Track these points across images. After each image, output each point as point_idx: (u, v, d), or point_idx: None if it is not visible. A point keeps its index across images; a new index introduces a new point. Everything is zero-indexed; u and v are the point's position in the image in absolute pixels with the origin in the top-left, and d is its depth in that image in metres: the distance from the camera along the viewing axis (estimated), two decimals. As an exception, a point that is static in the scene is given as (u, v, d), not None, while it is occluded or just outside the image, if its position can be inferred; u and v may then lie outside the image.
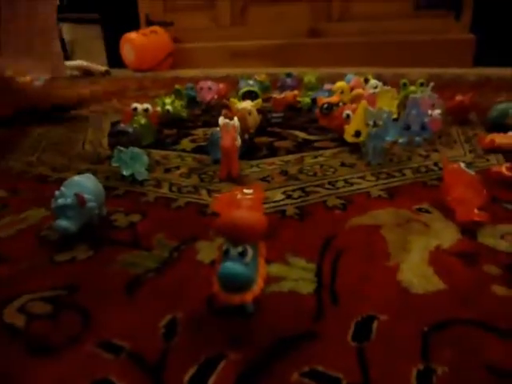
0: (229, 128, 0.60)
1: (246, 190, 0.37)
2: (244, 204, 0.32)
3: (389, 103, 0.86)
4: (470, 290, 0.35)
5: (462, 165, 0.48)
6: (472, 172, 0.48)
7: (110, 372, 0.29)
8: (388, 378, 0.27)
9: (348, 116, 0.75)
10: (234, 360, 0.29)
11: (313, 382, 0.27)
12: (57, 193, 0.47)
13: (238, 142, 0.62)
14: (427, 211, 0.49)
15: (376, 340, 0.30)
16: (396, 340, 0.30)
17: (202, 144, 0.80)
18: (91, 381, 0.28)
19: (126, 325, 0.33)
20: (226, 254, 0.31)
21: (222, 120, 0.61)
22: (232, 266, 0.29)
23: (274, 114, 0.98)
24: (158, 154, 0.76)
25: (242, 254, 0.30)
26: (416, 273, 0.37)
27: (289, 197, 0.55)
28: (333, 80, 1.03)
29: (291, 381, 0.27)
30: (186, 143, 0.82)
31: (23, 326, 0.33)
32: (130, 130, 0.73)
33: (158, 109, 0.97)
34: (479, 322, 0.31)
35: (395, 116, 0.86)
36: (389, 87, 1.00)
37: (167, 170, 0.67)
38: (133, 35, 2.08)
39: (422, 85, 1.00)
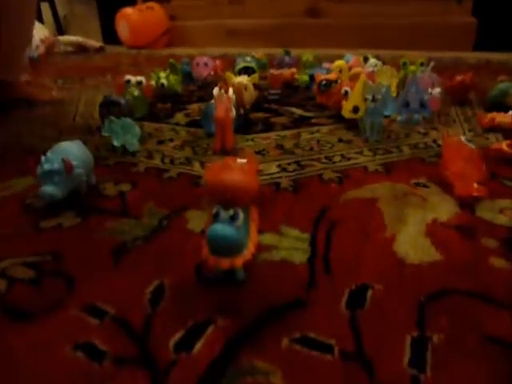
0: (223, 99, 0.58)
1: (239, 160, 0.36)
2: (236, 167, 0.30)
3: (388, 81, 0.83)
4: (468, 262, 0.34)
5: (463, 138, 0.47)
6: (472, 146, 0.46)
7: (93, 336, 0.28)
8: (381, 345, 0.26)
9: (346, 92, 0.73)
10: (222, 326, 0.28)
11: (304, 347, 0.26)
12: (43, 158, 0.45)
13: (233, 113, 0.60)
14: (425, 186, 0.48)
15: (370, 308, 0.29)
16: (391, 309, 0.29)
17: (197, 118, 0.78)
18: (73, 344, 0.27)
19: (111, 290, 0.32)
20: (215, 217, 0.29)
21: (216, 90, 0.59)
22: (221, 228, 0.28)
23: (271, 91, 0.95)
24: (150, 126, 0.74)
25: (233, 218, 0.29)
26: (412, 244, 0.36)
27: (284, 170, 0.53)
28: (331, 60, 1.00)
29: (281, 346, 0.26)
30: (180, 117, 0.80)
31: (4, 290, 0.32)
32: (123, 101, 0.71)
33: (153, 83, 0.95)
34: (476, 292, 0.31)
35: (394, 95, 0.84)
36: (388, 66, 0.98)
37: (160, 142, 0.65)
38: (128, 11, 2.03)
39: (422, 64, 0.98)
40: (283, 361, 0.25)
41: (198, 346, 0.27)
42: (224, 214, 0.29)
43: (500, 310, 0.29)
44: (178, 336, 0.27)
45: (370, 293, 0.31)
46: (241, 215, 0.29)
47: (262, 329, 0.28)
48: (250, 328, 0.28)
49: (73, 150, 0.46)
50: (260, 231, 0.38)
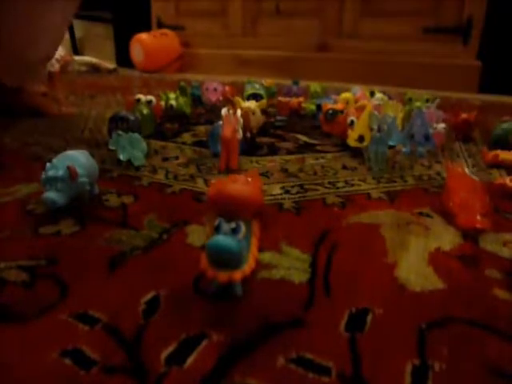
0: (231, 119, 0.58)
1: (241, 176, 0.36)
2: (240, 181, 0.30)
3: (394, 115, 0.85)
4: (471, 291, 0.33)
5: (467, 170, 0.47)
6: (476, 178, 0.46)
7: (82, 342, 0.27)
8: (381, 371, 0.25)
9: (352, 122, 0.74)
10: (216, 341, 0.27)
11: (300, 368, 0.25)
12: (48, 165, 0.45)
13: (240, 134, 0.60)
14: (428, 215, 0.47)
15: (370, 332, 0.28)
16: (391, 334, 0.28)
17: (203, 139, 0.79)
18: (60, 350, 0.26)
19: (105, 299, 0.31)
20: (217, 229, 0.29)
21: (224, 111, 0.60)
22: (223, 239, 0.28)
23: (278, 117, 0.97)
24: (157, 144, 0.75)
25: (235, 231, 0.29)
26: (414, 271, 0.36)
27: (287, 192, 0.53)
28: (338, 93, 1.02)
29: (276, 366, 0.25)
30: (186, 137, 0.81)
31: (-4, 292, 0.31)
32: (132, 117, 0.72)
33: (162, 103, 0.96)
34: (479, 322, 0.30)
35: (399, 129, 0.85)
36: (394, 101, 1.00)
37: (165, 159, 0.66)
38: (143, 36, 2.09)
39: (427, 101, 1.00)
40: (278, 380, 0.24)
41: (191, 359, 0.26)
42: (226, 226, 0.29)
43: (503, 340, 0.28)
44: (170, 348, 0.26)
45: (369, 317, 0.30)
46: (243, 228, 0.29)
47: (257, 346, 0.27)
48: (245, 344, 0.27)
49: (79, 159, 0.47)
50: (260, 249, 0.37)
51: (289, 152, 0.73)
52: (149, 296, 0.31)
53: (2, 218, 0.44)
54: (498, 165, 0.66)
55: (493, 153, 0.68)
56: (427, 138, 0.71)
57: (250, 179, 0.35)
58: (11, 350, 0.26)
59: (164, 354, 0.26)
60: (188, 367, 0.25)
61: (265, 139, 0.81)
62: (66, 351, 0.26)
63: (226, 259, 0.28)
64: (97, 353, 0.26)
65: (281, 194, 0.52)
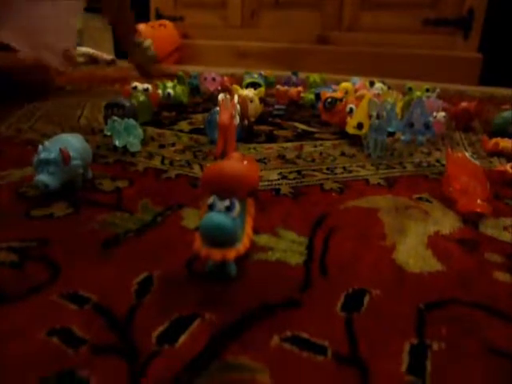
0: (228, 104, 0.58)
1: (236, 154, 0.35)
2: (236, 159, 0.29)
3: (392, 100, 0.84)
4: (470, 274, 0.33)
5: (467, 154, 0.46)
6: (477, 162, 0.46)
7: (71, 322, 0.26)
8: (378, 350, 0.25)
9: (351, 110, 0.73)
10: (209, 320, 0.26)
11: (295, 347, 0.25)
12: (40, 147, 0.44)
13: (237, 120, 0.59)
14: (428, 200, 0.47)
15: (367, 313, 0.28)
16: (389, 315, 0.28)
17: (201, 127, 0.78)
18: (48, 329, 0.25)
19: (96, 279, 0.31)
20: (211, 208, 0.28)
21: (221, 96, 0.59)
22: (217, 217, 0.27)
23: (276, 106, 0.96)
24: (153, 131, 0.74)
25: (229, 209, 0.28)
26: (413, 253, 0.35)
27: (284, 177, 0.52)
28: (338, 84, 1.01)
29: (270, 345, 0.25)
30: (184, 125, 0.80)
31: (-16, 272, 0.31)
32: (127, 103, 0.71)
33: (159, 91, 0.95)
34: (478, 303, 0.29)
35: (399, 117, 0.84)
36: (394, 90, 0.99)
37: (162, 146, 0.65)
38: (141, 27, 2.07)
39: (427, 90, 0.99)
40: (272, 359, 0.24)
41: (182, 339, 0.25)
42: (220, 204, 0.28)
43: (502, 320, 0.27)
44: (161, 328, 0.26)
45: (367, 297, 0.29)
46: (237, 206, 0.28)
47: (251, 325, 0.26)
48: (239, 324, 0.26)
49: (72, 142, 0.46)
50: (256, 232, 0.37)
51: (287, 140, 0.72)
52: (141, 277, 0.31)
53: (-6, 201, 0.43)
54: (499, 153, 0.66)
55: (493, 141, 0.67)
56: (427, 126, 0.70)
57: (245, 161, 0.34)
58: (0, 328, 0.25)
59: (155, 334, 0.25)
60: (180, 346, 0.24)
61: (263, 127, 0.80)
62: (53, 330, 0.25)
63: (219, 237, 0.27)
64: (86, 332, 0.25)
65: (278, 180, 0.52)
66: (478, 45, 1.72)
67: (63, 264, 0.32)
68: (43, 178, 0.42)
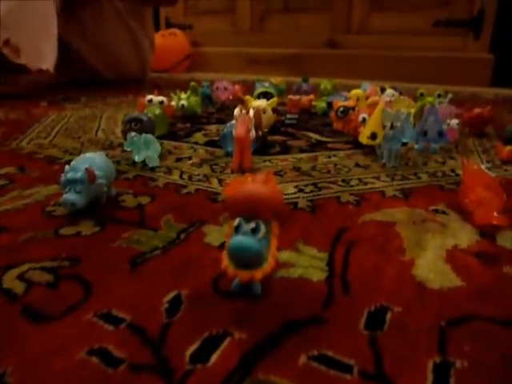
0: (244, 118, 0.59)
1: (258, 175, 0.36)
2: (258, 180, 0.30)
3: (406, 110, 0.84)
4: (490, 289, 0.33)
5: (483, 166, 0.47)
6: (492, 174, 0.46)
7: (107, 342, 0.27)
8: (403, 368, 0.25)
9: (364, 119, 0.74)
10: (238, 339, 0.28)
11: (322, 365, 0.26)
12: (67, 167, 0.46)
13: (253, 133, 0.61)
14: (444, 212, 0.47)
15: (390, 330, 0.29)
16: (411, 332, 0.29)
17: (215, 138, 0.79)
18: (87, 349, 0.27)
19: (128, 298, 0.32)
20: (237, 230, 0.29)
21: (237, 110, 0.60)
22: (244, 239, 0.28)
23: (289, 116, 0.97)
24: (170, 144, 0.76)
25: (255, 230, 0.29)
26: (432, 269, 0.36)
27: (301, 190, 0.53)
28: (348, 89, 1.02)
29: (298, 363, 0.26)
30: (199, 136, 0.82)
31: (21, 293, 0.32)
32: (144, 118, 0.72)
33: (173, 103, 0.97)
34: (500, 319, 0.30)
35: (412, 125, 0.85)
36: (405, 97, 1.00)
37: (179, 159, 0.66)
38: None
39: (439, 96, 0.99)
40: (301, 378, 0.25)
41: (214, 357, 0.26)
42: (246, 227, 0.29)
43: (525, 339, 0.28)
44: (194, 347, 0.27)
45: (388, 315, 0.30)
46: (262, 228, 0.29)
47: (278, 343, 0.27)
48: (267, 342, 0.27)
49: (96, 161, 0.47)
50: (277, 248, 0.38)
51: (301, 150, 0.73)
52: (171, 295, 0.32)
53: (24, 219, 0.45)
54: (514, 160, 0.66)
55: (508, 148, 0.67)
56: (441, 134, 0.71)
57: (264, 177, 0.35)
58: (40, 349, 0.27)
59: (188, 353, 0.26)
60: (212, 365, 0.26)
61: (276, 137, 0.82)
62: (92, 350, 0.27)
63: (247, 259, 0.29)
64: (123, 351, 0.26)
65: (294, 193, 0.53)
66: (489, 45, 1.72)
67: (95, 283, 0.34)
68: (71, 196, 0.44)
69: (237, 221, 0.30)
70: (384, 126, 0.64)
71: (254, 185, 0.29)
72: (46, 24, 1.16)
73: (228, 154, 0.67)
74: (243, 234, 0.29)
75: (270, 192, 0.29)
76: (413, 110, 0.90)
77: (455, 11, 1.75)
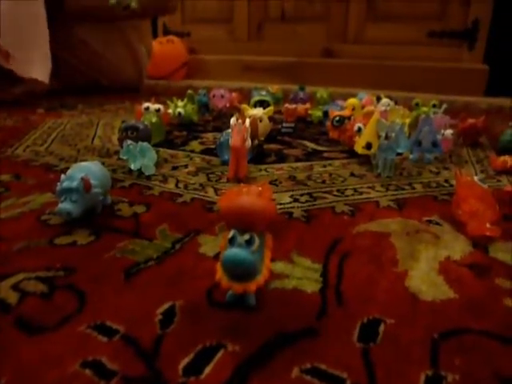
0: (240, 128, 0.59)
1: (253, 187, 0.37)
2: (253, 192, 0.31)
3: (400, 121, 0.85)
4: (482, 301, 0.34)
5: (476, 178, 0.47)
6: (485, 186, 0.47)
7: (101, 354, 0.27)
8: (395, 381, 0.26)
9: (359, 129, 0.74)
10: (232, 351, 0.28)
11: (315, 379, 0.26)
12: (63, 176, 0.46)
13: (248, 143, 0.61)
14: (437, 223, 0.48)
15: (382, 342, 0.29)
16: (404, 344, 0.29)
17: (211, 147, 0.79)
18: (80, 360, 0.27)
19: (122, 309, 0.32)
20: (231, 242, 0.30)
21: (233, 120, 0.60)
22: (238, 252, 0.28)
23: (285, 124, 0.97)
24: (166, 152, 0.76)
25: (249, 242, 0.29)
26: (425, 280, 0.36)
27: (296, 200, 0.54)
28: (344, 98, 1.03)
29: (291, 376, 0.26)
30: (195, 145, 0.82)
31: (15, 303, 0.32)
32: (141, 126, 0.73)
33: (170, 111, 0.98)
34: (491, 332, 0.30)
35: (407, 135, 0.86)
36: (401, 106, 1.01)
37: (175, 168, 0.67)
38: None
39: (434, 106, 1.00)
40: (293, 391, 0.25)
41: (208, 370, 0.26)
42: (240, 239, 0.29)
43: (516, 352, 0.28)
44: (187, 359, 0.27)
45: (381, 327, 0.30)
46: (256, 241, 0.30)
47: (272, 355, 0.27)
48: (260, 354, 0.27)
49: (92, 170, 0.48)
50: (272, 259, 0.38)
51: (297, 159, 0.73)
52: (165, 306, 0.32)
53: (18, 228, 0.45)
54: (507, 171, 0.67)
55: (501, 159, 0.68)
56: (435, 144, 0.72)
57: (260, 189, 0.36)
58: (34, 360, 0.27)
59: (181, 365, 0.26)
60: (205, 377, 0.26)
61: (272, 146, 0.82)
62: (86, 362, 0.27)
63: (241, 271, 0.29)
64: (116, 363, 0.26)
65: (290, 203, 0.53)
66: (483, 56, 1.74)
67: (89, 293, 0.34)
68: (66, 206, 0.44)
69: (231, 233, 0.30)
70: (379, 136, 0.65)
71: (249, 198, 0.29)
72: (38, 30, 1.16)
73: (224, 163, 0.67)
74: (237, 246, 0.29)
75: (264, 205, 0.29)
76: (408, 120, 0.91)
77: (450, 22, 1.77)
